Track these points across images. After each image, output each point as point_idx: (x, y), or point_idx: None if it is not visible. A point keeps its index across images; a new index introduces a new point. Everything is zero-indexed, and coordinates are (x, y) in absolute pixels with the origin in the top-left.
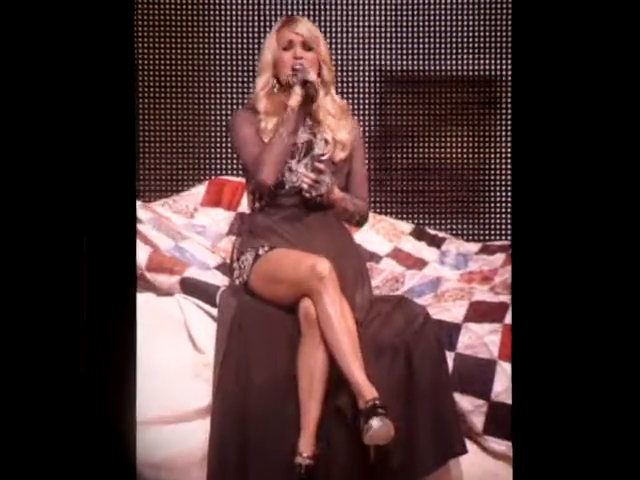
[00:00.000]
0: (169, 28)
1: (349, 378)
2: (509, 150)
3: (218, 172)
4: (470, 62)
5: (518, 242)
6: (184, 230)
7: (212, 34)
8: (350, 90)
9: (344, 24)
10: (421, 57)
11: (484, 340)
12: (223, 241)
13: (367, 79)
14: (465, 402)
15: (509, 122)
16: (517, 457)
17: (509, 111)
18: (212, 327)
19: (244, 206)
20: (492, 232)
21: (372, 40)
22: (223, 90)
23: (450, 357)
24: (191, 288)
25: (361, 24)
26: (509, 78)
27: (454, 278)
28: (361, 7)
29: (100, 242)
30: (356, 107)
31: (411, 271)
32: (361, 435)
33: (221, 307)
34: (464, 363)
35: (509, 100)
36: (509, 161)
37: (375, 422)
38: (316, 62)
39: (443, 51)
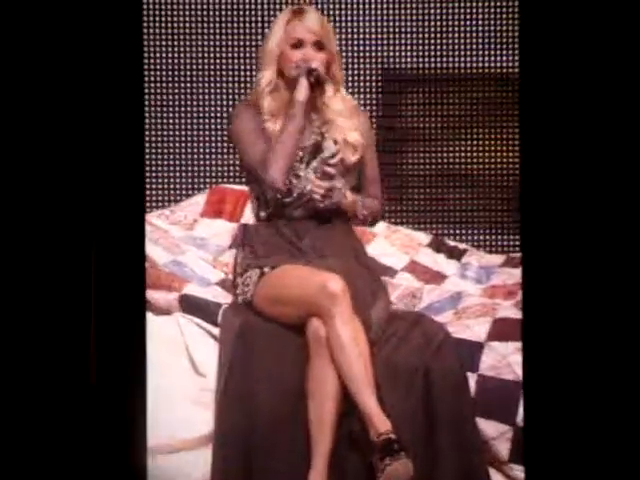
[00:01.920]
0: (176, 32)
1: (360, 407)
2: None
3: (219, 180)
4: (480, 60)
5: (529, 254)
6: (183, 243)
7: (217, 38)
8: (359, 90)
9: (352, 18)
10: (429, 55)
11: (508, 360)
12: (225, 255)
13: (375, 78)
14: (489, 428)
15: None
16: None
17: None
18: (214, 348)
19: (247, 217)
20: (516, 243)
21: (380, 37)
22: (225, 92)
23: (472, 379)
24: (191, 306)
25: (369, 19)
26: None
27: (476, 293)
28: (370, 2)
29: (109, 258)
30: (366, 109)
31: (429, 286)
32: (375, 473)
33: (223, 327)
34: (487, 385)
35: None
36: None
37: (391, 462)
38: (326, 62)
39: (452, 49)
